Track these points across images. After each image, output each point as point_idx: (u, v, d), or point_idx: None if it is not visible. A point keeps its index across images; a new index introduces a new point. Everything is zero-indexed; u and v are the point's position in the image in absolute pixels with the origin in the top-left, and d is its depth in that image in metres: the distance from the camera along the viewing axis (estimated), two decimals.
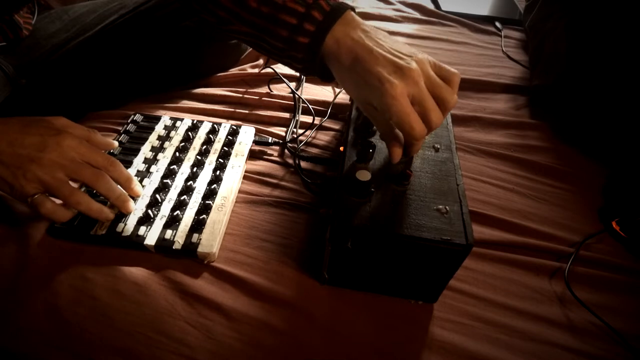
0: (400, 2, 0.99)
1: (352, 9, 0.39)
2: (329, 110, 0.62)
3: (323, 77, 0.42)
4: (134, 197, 0.45)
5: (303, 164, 0.55)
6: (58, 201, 0.41)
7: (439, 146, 0.43)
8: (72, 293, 0.39)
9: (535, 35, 0.78)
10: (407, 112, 0.34)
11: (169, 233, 0.43)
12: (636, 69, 0.58)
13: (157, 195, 0.46)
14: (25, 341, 0.37)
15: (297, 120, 0.61)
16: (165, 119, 0.57)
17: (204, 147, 0.53)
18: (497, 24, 0.93)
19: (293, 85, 0.66)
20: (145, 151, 0.52)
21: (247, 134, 0.55)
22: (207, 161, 0.51)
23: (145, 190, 0.47)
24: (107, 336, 0.37)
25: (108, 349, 0.36)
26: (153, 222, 0.44)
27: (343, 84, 0.39)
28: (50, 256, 0.42)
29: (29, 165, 0.38)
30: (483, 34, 0.90)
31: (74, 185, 0.41)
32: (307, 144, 0.58)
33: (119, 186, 0.43)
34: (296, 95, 0.64)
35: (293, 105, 0.63)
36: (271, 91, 0.66)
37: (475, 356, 0.38)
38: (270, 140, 0.57)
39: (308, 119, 0.61)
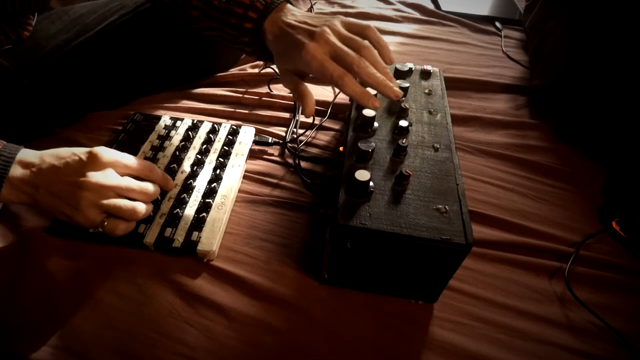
0: (400, 2, 0.99)
1: (289, 1, 0.47)
2: (329, 110, 0.62)
3: (270, 59, 0.48)
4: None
5: (303, 164, 0.55)
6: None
7: (438, 146, 0.43)
8: (73, 293, 0.39)
9: (535, 35, 0.78)
10: (322, 62, 0.39)
11: (168, 231, 0.43)
12: (636, 69, 0.58)
13: None
14: (25, 341, 0.37)
15: (297, 120, 0.61)
16: (166, 118, 0.57)
17: (204, 146, 0.53)
18: (497, 24, 0.93)
19: None
20: (145, 150, 0.52)
21: (247, 134, 0.55)
22: (207, 160, 0.51)
23: None
24: (107, 336, 0.37)
25: (108, 349, 0.36)
26: (153, 220, 0.44)
27: (276, 58, 0.45)
28: (50, 255, 0.42)
29: (78, 192, 0.37)
30: (483, 34, 0.90)
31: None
32: (307, 144, 0.58)
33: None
34: None
35: (293, 105, 0.63)
36: (271, 91, 0.66)
37: (475, 356, 0.38)
38: (270, 140, 0.57)
39: (308, 119, 0.61)
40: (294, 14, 0.45)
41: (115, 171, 0.40)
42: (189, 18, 0.50)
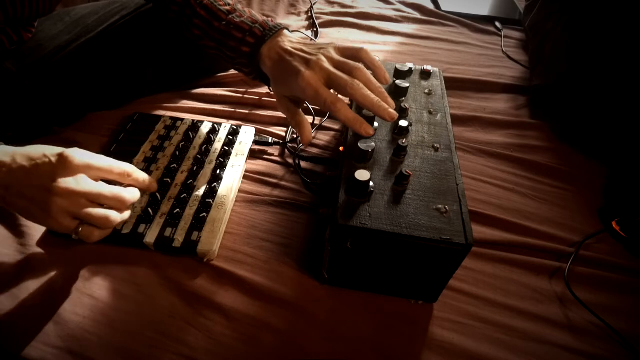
0: (400, 2, 0.99)
1: (287, 29, 0.48)
2: None
3: (267, 82, 0.50)
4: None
5: (303, 164, 0.55)
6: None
7: (438, 146, 0.43)
8: (72, 293, 0.39)
9: (535, 35, 0.78)
10: (315, 89, 0.40)
11: (168, 231, 0.43)
12: (636, 68, 0.58)
13: (157, 194, 0.46)
14: (24, 341, 0.36)
15: None
16: (166, 119, 0.57)
17: (204, 146, 0.53)
18: (497, 24, 0.93)
19: None
20: (145, 150, 0.52)
21: (247, 134, 0.55)
22: (207, 160, 0.51)
23: None
24: (107, 336, 0.37)
25: (108, 349, 0.36)
26: (153, 220, 0.44)
27: (273, 83, 0.46)
28: (51, 255, 0.42)
29: (48, 197, 0.36)
30: (483, 34, 0.90)
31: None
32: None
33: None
34: None
35: None
36: (271, 91, 0.66)
37: (475, 356, 0.38)
38: (270, 140, 0.57)
39: (308, 119, 0.61)
40: (291, 41, 0.46)
41: (88, 175, 0.38)
42: (191, 35, 0.53)
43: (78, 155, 0.37)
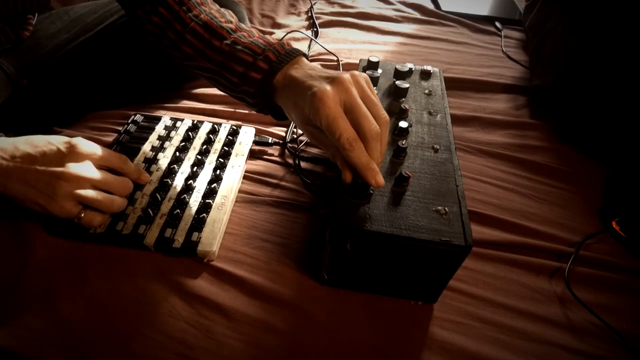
0: (400, 2, 0.99)
1: (305, 55, 0.42)
2: None
3: (274, 115, 0.45)
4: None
5: (303, 164, 0.55)
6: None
7: (438, 147, 0.43)
8: (72, 293, 0.39)
9: (535, 35, 0.78)
10: (335, 116, 0.33)
11: (168, 231, 0.43)
12: (636, 68, 0.58)
13: (157, 195, 0.46)
14: (24, 341, 0.37)
15: None
16: (166, 119, 0.57)
17: (204, 147, 0.53)
18: (497, 24, 0.93)
19: None
20: (145, 150, 0.52)
21: (247, 134, 0.55)
22: (207, 161, 0.51)
23: (145, 189, 0.47)
24: (107, 336, 0.37)
25: (108, 349, 0.36)
26: (153, 221, 0.44)
27: (287, 110, 0.41)
28: (50, 255, 0.42)
29: (56, 182, 0.37)
30: (483, 34, 0.90)
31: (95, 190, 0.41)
32: (307, 144, 0.58)
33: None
34: None
35: None
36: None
37: (475, 356, 0.38)
38: (270, 141, 0.57)
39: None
40: (312, 68, 0.39)
41: (93, 162, 0.40)
42: (178, 53, 0.46)
43: (84, 143, 0.40)
